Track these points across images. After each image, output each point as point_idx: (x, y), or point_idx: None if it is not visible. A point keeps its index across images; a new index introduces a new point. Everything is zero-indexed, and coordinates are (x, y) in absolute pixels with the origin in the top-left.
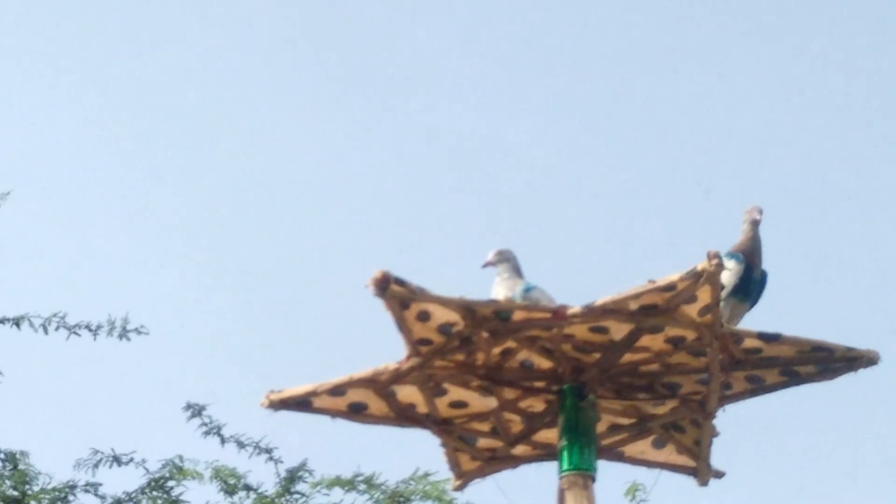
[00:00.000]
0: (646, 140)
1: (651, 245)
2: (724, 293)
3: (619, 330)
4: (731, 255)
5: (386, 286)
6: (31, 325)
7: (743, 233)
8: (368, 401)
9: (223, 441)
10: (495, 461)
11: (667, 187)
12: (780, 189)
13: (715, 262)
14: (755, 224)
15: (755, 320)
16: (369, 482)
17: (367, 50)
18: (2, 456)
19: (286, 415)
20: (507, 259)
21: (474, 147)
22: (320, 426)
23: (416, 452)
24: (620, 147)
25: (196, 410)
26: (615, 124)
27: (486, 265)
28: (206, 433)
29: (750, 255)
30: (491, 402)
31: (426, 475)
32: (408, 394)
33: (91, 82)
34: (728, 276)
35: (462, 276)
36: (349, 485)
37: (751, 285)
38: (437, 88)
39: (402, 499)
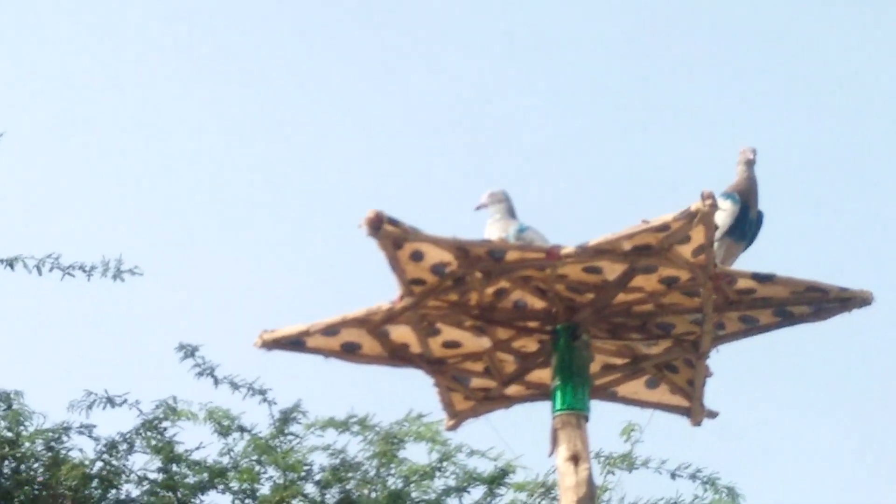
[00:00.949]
0: (639, 80)
1: (646, 186)
2: (719, 233)
3: (612, 270)
4: (727, 196)
5: (379, 226)
6: (25, 266)
7: (738, 174)
8: (362, 340)
9: (216, 382)
10: (488, 401)
11: (661, 127)
12: (775, 130)
13: (709, 202)
14: (750, 164)
15: (750, 261)
16: (363, 423)
17: None
18: None
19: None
20: (500, 200)
21: (468, 89)
22: (314, 367)
23: (410, 394)
24: (614, 88)
25: (189, 351)
26: (609, 64)
27: (479, 207)
28: (200, 374)
29: (745, 196)
30: (484, 342)
31: (420, 416)
32: (401, 334)
33: (84, 21)
34: (723, 217)
35: (456, 218)
36: (343, 426)
37: (746, 226)
38: (431, 35)
39: (395, 440)
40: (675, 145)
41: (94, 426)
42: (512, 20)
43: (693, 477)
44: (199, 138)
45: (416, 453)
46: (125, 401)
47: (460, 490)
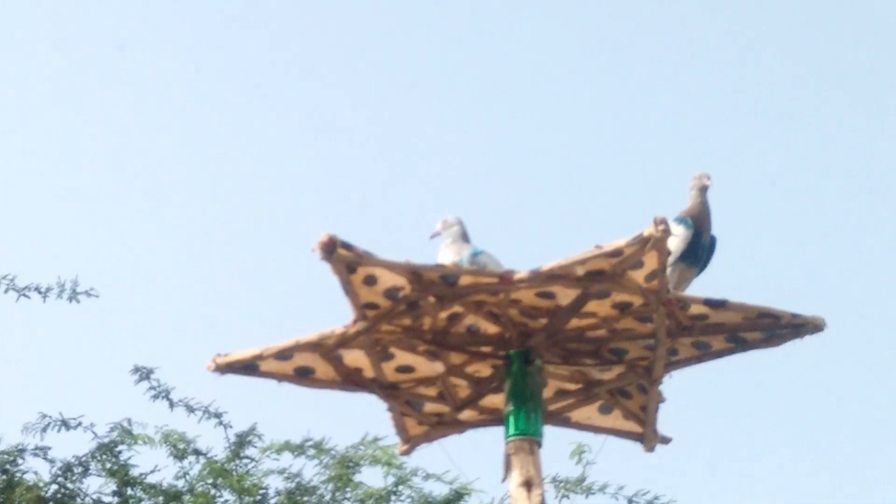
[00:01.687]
0: (594, 106)
1: (598, 211)
2: (672, 258)
3: (565, 295)
4: (680, 220)
5: (332, 250)
6: None
7: (691, 199)
8: (315, 365)
9: (172, 405)
10: (442, 426)
11: (614, 153)
12: (727, 154)
13: (661, 227)
14: (704, 190)
15: (704, 286)
16: (319, 447)
17: None
18: None
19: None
20: (452, 225)
21: (426, 111)
22: (269, 391)
23: (365, 417)
24: (568, 113)
25: (144, 374)
26: (565, 89)
27: (433, 236)
28: (155, 397)
29: (699, 221)
30: (437, 367)
31: (375, 440)
32: (354, 358)
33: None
34: (676, 242)
35: (410, 245)
36: (299, 449)
37: (699, 250)
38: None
39: (351, 463)
40: (628, 169)
41: (50, 448)
42: (462, 38)
43: None
44: (155, 159)
45: (372, 477)
46: (80, 423)
47: None
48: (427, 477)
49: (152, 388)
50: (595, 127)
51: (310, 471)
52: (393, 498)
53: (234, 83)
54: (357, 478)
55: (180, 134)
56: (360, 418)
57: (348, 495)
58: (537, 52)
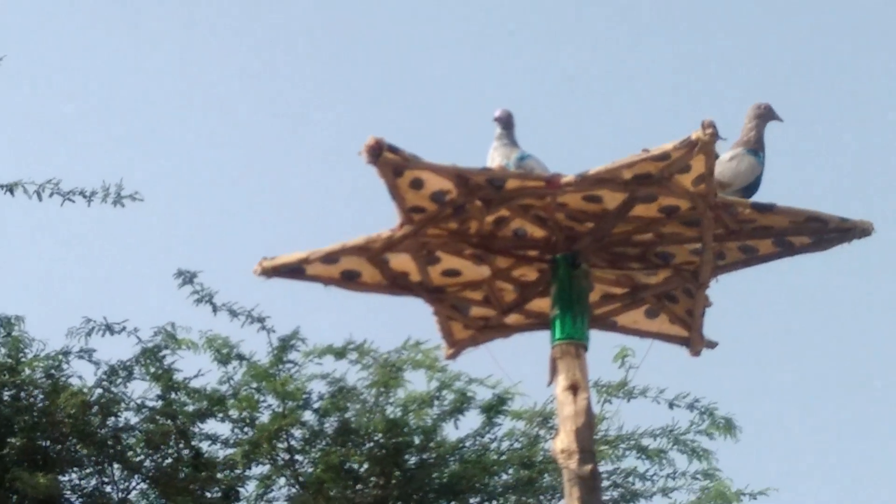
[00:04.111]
0: (646, 15)
1: (647, 116)
2: (737, 186)
3: (612, 199)
4: (753, 152)
5: (379, 153)
6: (26, 191)
7: (752, 129)
8: (361, 268)
9: (215, 309)
10: (488, 330)
11: (664, 60)
12: (775, 62)
13: (709, 131)
14: (765, 120)
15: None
16: (361, 350)
17: None
18: None
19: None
20: (509, 124)
21: (474, 14)
22: (311, 296)
23: (407, 321)
24: (622, 19)
25: (187, 277)
26: None
27: (496, 119)
28: (198, 301)
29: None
30: (484, 271)
31: (417, 343)
32: (401, 262)
33: None
34: (745, 171)
35: (457, 149)
36: (341, 353)
37: (757, 187)
38: None
39: (393, 367)
40: (676, 73)
41: (94, 350)
42: None
43: (691, 407)
44: (202, 66)
45: (415, 380)
46: (124, 328)
47: (455, 413)
48: (470, 381)
49: (196, 292)
50: (642, 31)
51: (353, 375)
52: (436, 402)
53: None
54: (400, 381)
55: (229, 40)
56: (402, 323)
57: (391, 400)
58: None
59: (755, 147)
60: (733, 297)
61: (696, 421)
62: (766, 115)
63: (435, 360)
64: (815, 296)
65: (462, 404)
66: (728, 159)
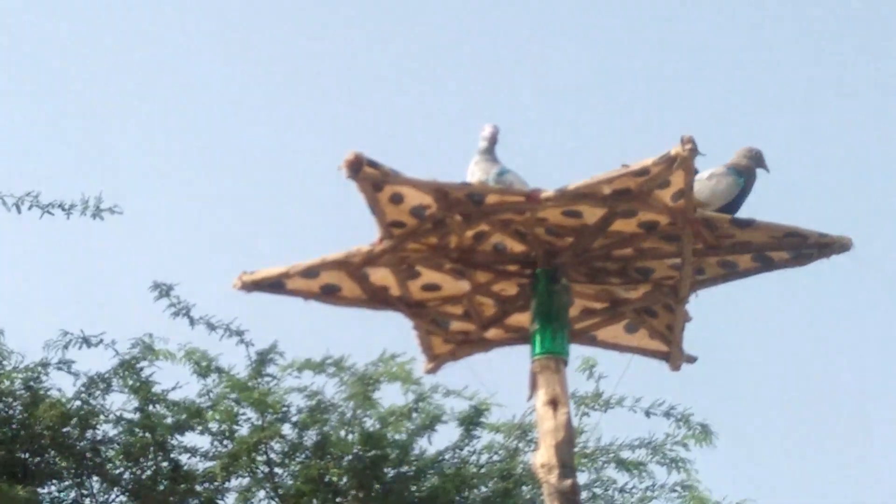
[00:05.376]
0: (629, 28)
1: (627, 132)
2: (716, 204)
3: (592, 214)
4: (736, 172)
5: (359, 168)
6: (4, 203)
7: (744, 159)
8: (341, 283)
9: (192, 322)
10: (468, 344)
11: (644, 73)
12: (759, 71)
13: (688, 146)
14: (755, 161)
15: None
16: (338, 364)
17: None
18: None
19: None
20: (494, 141)
21: (456, 29)
22: (288, 310)
23: (383, 334)
24: (604, 34)
25: (164, 290)
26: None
27: (485, 136)
28: (175, 314)
29: (748, 183)
30: (464, 286)
31: (393, 356)
32: (381, 276)
33: None
34: (724, 190)
35: (438, 163)
36: (319, 367)
37: (736, 210)
38: None
39: (370, 381)
40: (656, 88)
41: (74, 362)
42: None
43: (667, 414)
44: (184, 71)
45: (391, 394)
46: (101, 341)
47: (428, 428)
48: (447, 393)
49: (172, 304)
50: (624, 45)
51: (331, 389)
52: (414, 415)
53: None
54: (376, 395)
55: (211, 47)
56: (379, 337)
57: (369, 413)
58: None
59: (739, 168)
60: (713, 311)
61: (672, 433)
62: (755, 158)
63: (409, 372)
64: (795, 310)
65: (433, 421)
66: (707, 177)
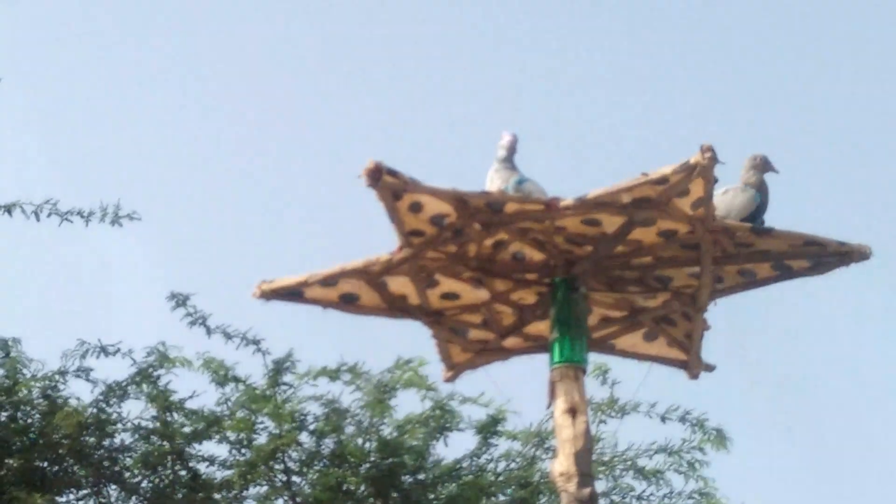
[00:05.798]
0: (648, 38)
1: (646, 141)
2: (736, 217)
3: (611, 223)
4: (754, 189)
5: (378, 177)
6: (23, 211)
7: (754, 175)
8: (360, 292)
9: (209, 331)
10: (486, 353)
11: (664, 83)
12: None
13: (708, 155)
14: (764, 170)
15: None
16: (353, 371)
17: None
18: None
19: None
20: (513, 150)
21: (471, 38)
22: (304, 318)
23: (397, 341)
24: (621, 43)
25: (181, 300)
26: (618, 18)
27: (503, 145)
28: (192, 323)
29: (764, 200)
30: (482, 294)
31: (407, 362)
32: (399, 285)
33: None
34: (744, 204)
35: (457, 171)
36: (334, 375)
37: (756, 222)
38: None
39: (386, 388)
40: (677, 100)
41: (92, 369)
42: None
43: (682, 419)
44: (199, 85)
45: (408, 400)
46: (118, 350)
47: (442, 430)
48: (464, 400)
49: (189, 314)
50: (643, 53)
51: (347, 397)
52: (431, 422)
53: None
54: (392, 402)
55: (233, 55)
56: (396, 345)
57: (385, 421)
58: None
59: (755, 187)
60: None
61: (688, 438)
62: (761, 165)
63: (425, 378)
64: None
65: (447, 422)
66: (722, 192)
